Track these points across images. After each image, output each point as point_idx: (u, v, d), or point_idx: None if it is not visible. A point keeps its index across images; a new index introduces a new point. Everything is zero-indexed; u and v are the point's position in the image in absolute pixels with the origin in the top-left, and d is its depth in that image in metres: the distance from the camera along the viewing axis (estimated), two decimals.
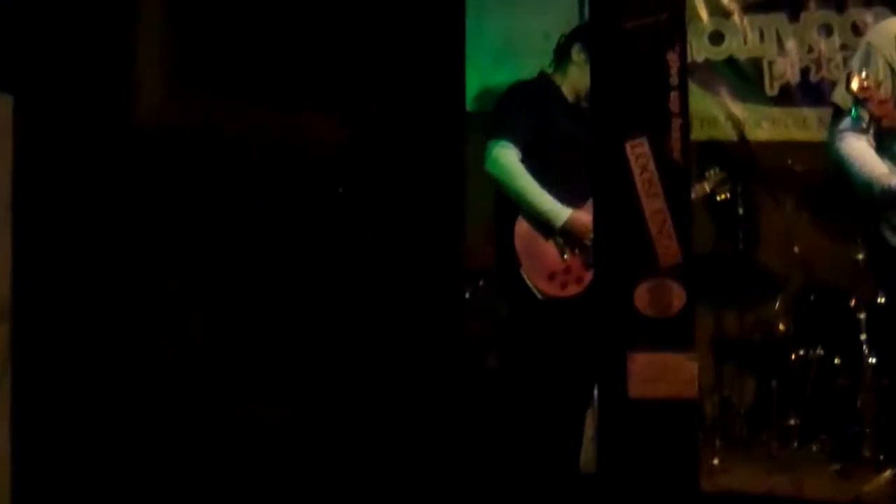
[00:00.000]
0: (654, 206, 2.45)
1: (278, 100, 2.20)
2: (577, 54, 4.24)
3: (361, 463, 2.18)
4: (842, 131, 3.38)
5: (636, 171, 2.45)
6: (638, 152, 2.45)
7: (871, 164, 3.27)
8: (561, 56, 4.35)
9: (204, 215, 2.15)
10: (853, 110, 3.27)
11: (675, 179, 2.47)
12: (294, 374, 2.21)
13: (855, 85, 3.04)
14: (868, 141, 3.36)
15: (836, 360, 4.99)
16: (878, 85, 3.12)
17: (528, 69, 4.49)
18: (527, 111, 4.17)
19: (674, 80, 2.45)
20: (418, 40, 2.22)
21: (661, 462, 2.44)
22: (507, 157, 4.04)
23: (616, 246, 2.52)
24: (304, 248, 2.19)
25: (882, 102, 3.07)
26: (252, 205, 2.18)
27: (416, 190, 2.20)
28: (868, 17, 5.75)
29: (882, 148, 3.38)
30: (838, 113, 3.45)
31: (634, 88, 2.47)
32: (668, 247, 2.46)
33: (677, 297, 2.45)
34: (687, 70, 2.48)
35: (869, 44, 3.43)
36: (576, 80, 4.27)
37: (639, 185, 2.46)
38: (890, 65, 3.31)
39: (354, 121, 2.17)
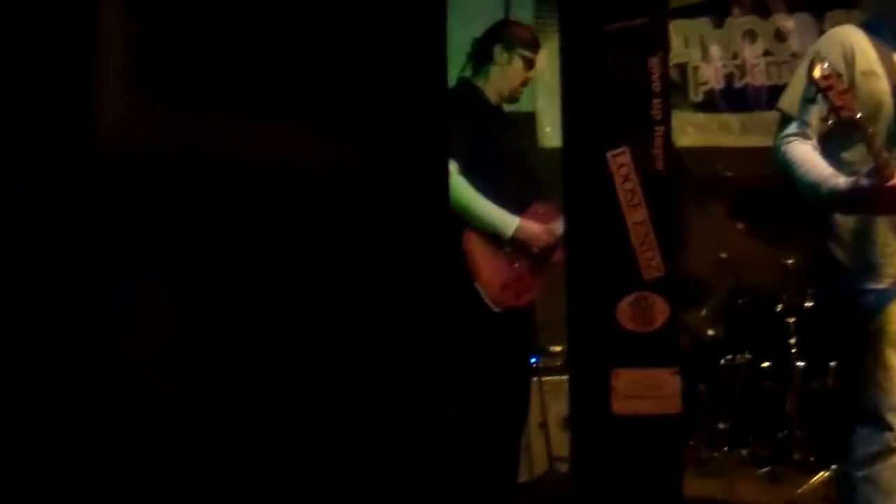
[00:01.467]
0: (636, 217, 2.38)
1: (255, 114, 2.06)
2: (500, 55, 4.14)
3: None
4: (787, 136, 3.36)
5: (618, 181, 2.38)
6: (620, 162, 2.38)
7: (819, 167, 3.23)
8: (480, 58, 4.22)
9: (174, 241, 2.00)
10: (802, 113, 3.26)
11: (658, 190, 2.40)
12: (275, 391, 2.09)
13: (817, 73, 2.96)
14: (814, 146, 3.34)
15: (765, 365, 5.02)
16: (839, 75, 3.06)
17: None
18: (457, 121, 3.96)
19: (656, 86, 2.38)
20: (398, 51, 2.09)
21: (645, 480, 2.37)
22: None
23: (596, 260, 2.43)
24: (284, 270, 2.06)
25: (843, 92, 2.96)
26: (226, 227, 2.03)
27: (400, 205, 2.07)
28: (790, 24, 5.86)
29: (827, 152, 3.38)
30: (784, 120, 3.43)
31: (615, 95, 2.39)
32: (651, 259, 2.39)
33: (661, 311, 2.38)
34: (668, 76, 2.41)
35: (816, 52, 3.41)
36: (498, 81, 4.18)
37: (620, 196, 2.38)
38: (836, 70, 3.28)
39: (336, 135, 2.04)
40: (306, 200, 2.01)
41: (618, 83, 2.39)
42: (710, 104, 5.90)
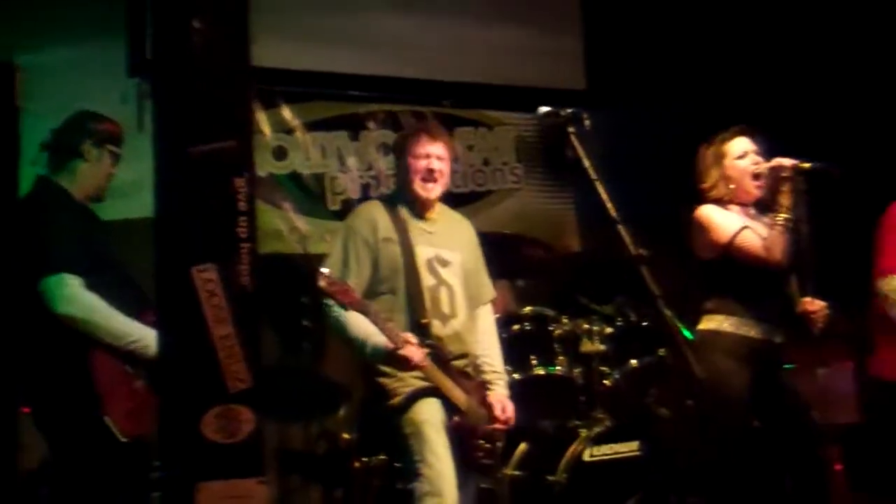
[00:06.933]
0: (222, 331, 2.44)
1: None
2: (89, 151, 3.87)
3: None
4: None
5: (204, 297, 2.43)
6: (205, 278, 2.44)
7: (365, 325, 3.72)
8: (64, 155, 3.85)
9: None
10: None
11: (243, 305, 2.48)
12: None
13: (323, 283, 3.51)
14: None
15: (398, 465, 5.15)
16: (339, 280, 3.62)
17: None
18: (58, 231, 3.64)
19: (242, 205, 2.48)
20: None
21: None
22: (76, 291, 3.56)
23: (184, 373, 2.47)
24: None
25: (345, 291, 3.58)
26: None
27: None
28: None
29: None
30: None
31: (202, 214, 2.46)
32: (236, 372, 2.45)
33: (246, 422, 2.44)
34: (255, 196, 2.51)
35: (350, 227, 4.01)
36: (87, 180, 3.87)
37: (207, 311, 2.44)
38: (366, 241, 3.89)
39: None
40: None
41: (205, 203, 2.46)
42: (347, 213, 6.09)
